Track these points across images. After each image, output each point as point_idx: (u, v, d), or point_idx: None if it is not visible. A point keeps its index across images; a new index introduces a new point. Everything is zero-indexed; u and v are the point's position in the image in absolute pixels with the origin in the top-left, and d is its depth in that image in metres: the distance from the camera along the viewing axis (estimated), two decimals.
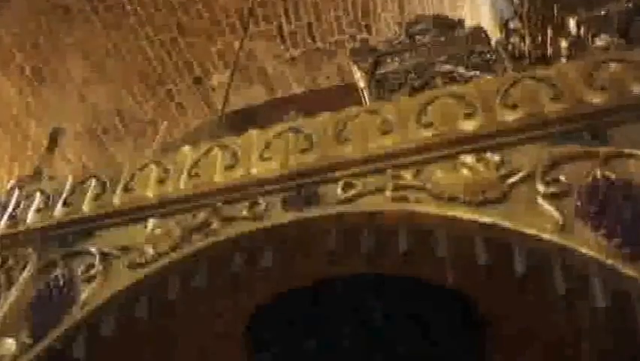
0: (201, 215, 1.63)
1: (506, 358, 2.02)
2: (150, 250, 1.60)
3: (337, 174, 1.58)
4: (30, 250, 1.84)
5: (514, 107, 1.58)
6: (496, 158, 1.51)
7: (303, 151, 1.66)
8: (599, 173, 1.41)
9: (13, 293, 1.73)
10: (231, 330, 1.97)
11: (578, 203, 1.37)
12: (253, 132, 1.78)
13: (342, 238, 1.46)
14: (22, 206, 2.00)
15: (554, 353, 2.00)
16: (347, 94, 3.10)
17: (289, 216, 1.54)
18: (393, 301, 1.95)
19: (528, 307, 1.84)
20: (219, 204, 1.64)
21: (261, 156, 1.70)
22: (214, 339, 1.97)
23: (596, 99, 1.54)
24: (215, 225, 1.59)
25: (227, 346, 2.01)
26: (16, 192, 2.07)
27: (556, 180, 1.43)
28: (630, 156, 1.42)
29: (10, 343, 1.60)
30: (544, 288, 1.40)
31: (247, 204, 1.61)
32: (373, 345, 2.06)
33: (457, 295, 1.85)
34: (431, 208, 1.44)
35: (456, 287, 1.82)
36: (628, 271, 1.24)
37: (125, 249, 1.66)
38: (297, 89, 5.69)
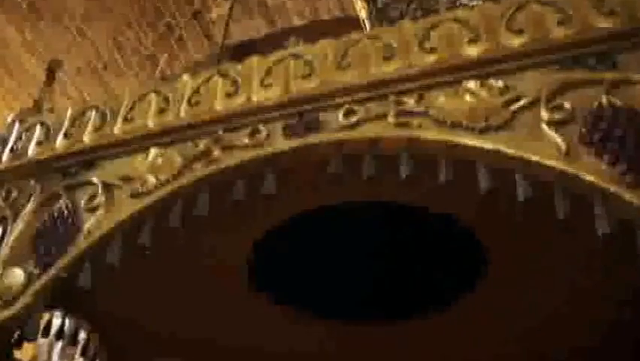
0: (202, 143, 1.62)
1: (502, 285, 2.05)
2: (152, 179, 1.60)
3: (338, 100, 1.55)
4: (33, 182, 1.84)
5: (519, 32, 1.53)
6: (500, 84, 1.47)
7: (304, 77, 1.62)
8: (604, 99, 1.38)
9: (19, 225, 1.75)
10: (234, 257, 1.99)
11: (583, 130, 1.35)
12: (253, 59, 1.74)
13: (344, 165, 1.45)
14: (23, 139, 1.99)
15: (551, 280, 2.02)
16: (348, 26, 3.03)
17: (290, 143, 1.52)
18: (394, 228, 1.96)
19: (527, 236, 1.85)
20: (220, 132, 1.62)
21: (261, 82, 1.67)
22: (217, 266, 1.99)
23: (605, 24, 1.48)
24: (216, 153, 1.58)
25: (231, 273, 2.03)
26: (17, 125, 2.05)
27: (561, 107, 1.40)
28: (637, 82, 1.38)
29: (19, 273, 1.62)
30: (545, 216, 1.40)
31: (248, 131, 1.59)
32: (374, 271, 2.09)
33: (456, 222, 1.86)
34: (433, 134, 1.42)
35: (456, 214, 1.82)
36: (631, 198, 1.23)
37: (127, 178, 1.66)
38: (297, 22, 5.58)
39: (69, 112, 1.94)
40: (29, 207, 1.78)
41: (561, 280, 2.00)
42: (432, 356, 2.28)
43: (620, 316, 2.04)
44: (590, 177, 1.28)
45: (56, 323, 2.22)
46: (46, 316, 2.15)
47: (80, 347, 2.33)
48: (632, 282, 1.92)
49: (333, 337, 2.25)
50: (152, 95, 1.82)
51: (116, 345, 2.18)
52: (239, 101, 1.67)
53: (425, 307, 2.17)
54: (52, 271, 1.58)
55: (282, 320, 2.18)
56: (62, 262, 1.58)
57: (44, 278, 1.58)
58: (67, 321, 2.25)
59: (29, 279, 1.59)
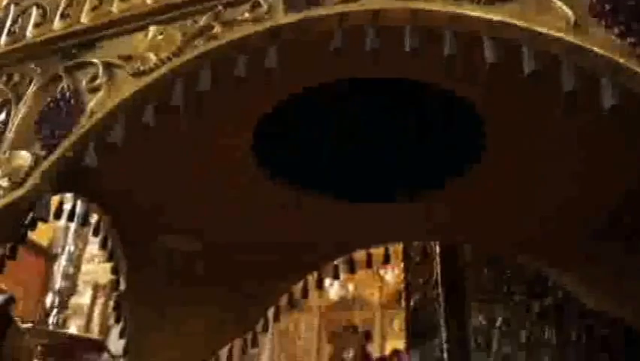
0: (202, 19, 1.56)
1: (501, 157, 2.04)
2: (153, 57, 1.56)
3: None
4: (33, 65, 1.81)
5: None
6: None
7: None
8: None
9: (22, 108, 1.73)
10: (238, 135, 1.98)
11: (593, 0, 1.28)
12: None
13: (346, 39, 1.40)
14: (19, 22, 1.94)
15: (548, 154, 2.02)
16: None
17: (291, 17, 1.45)
18: (397, 104, 1.93)
19: (529, 112, 1.82)
20: (220, 7, 1.55)
21: None
22: (222, 144, 1.98)
23: None
24: (216, 29, 1.52)
25: (235, 150, 2.03)
26: (12, 8, 1.99)
27: None
28: None
29: (25, 155, 1.62)
30: (549, 91, 1.37)
31: (248, 6, 1.52)
32: (377, 145, 2.08)
33: (459, 98, 1.83)
34: (438, 5, 1.35)
35: (458, 89, 1.79)
36: None
37: (127, 57, 1.62)
38: None
39: None
40: (31, 90, 1.76)
41: (562, 156, 2.00)
42: (431, 231, 2.33)
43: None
44: (599, 50, 1.23)
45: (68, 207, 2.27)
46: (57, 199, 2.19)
47: (91, 227, 2.40)
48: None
49: (337, 215, 2.29)
50: None
51: (125, 224, 2.23)
52: None
53: (425, 184, 2.18)
54: (57, 152, 1.57)
55: (286, 197, 2.20)
56: (67, 143, 1.57)
57: (51, 159, 1.58)
58: (78, 203, 2.31)
59: (36, 161, 1.59)
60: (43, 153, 1.60)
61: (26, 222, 1.72)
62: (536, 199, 2.23)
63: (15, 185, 1.57)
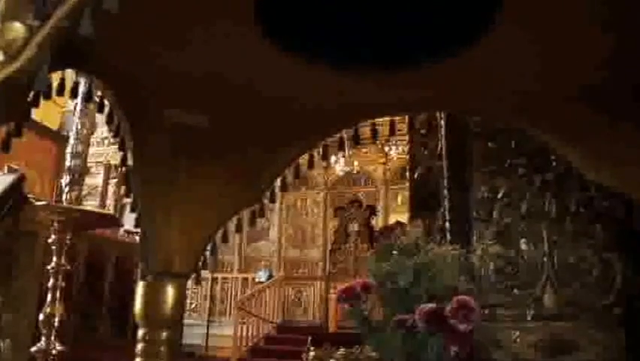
0: None
1: (508, 24, 1.94)
2: None
3: None
4: None
5: None
6: None
7: None
8: None
9: None
10: (241, 9, 1.87)
11: None
12: None
13: None
14: None
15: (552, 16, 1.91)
16: None
17: None
18: None
19: None
20: None
21: None
22: (224, 10, 1.87)
23: None
24: None
25: (239, 16, 1.92)
26: None
27: None
28: None
29: (18, 26, 1.52)
30: None
31: None
32: (382, 11, 1.96)
33: None
34: None
35: None
36: None
37: None
38: None
39: None
40: None
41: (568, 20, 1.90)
42: (434, 101, 2.27)
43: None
44: None
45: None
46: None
47: (96, 105, 2.35)
48: None
49: (342, 84, 2.21)
50: None
51: (129, 99, 2.17)
52: None
53: (428, 53, 2.09)
54: (52, 22, 1.48)
55: (290, 65, 2.09)
56: (61, 11, 1.47)
57: (45, 29, 1.48)
58: (81, 80, 2.25)
59: (30, 32, 1.50)
60: (36, 23, 1.51)
61: (29, 99, 1.66)
62: (540, 65, 2.14)
63: (11, 58, 1.49)
